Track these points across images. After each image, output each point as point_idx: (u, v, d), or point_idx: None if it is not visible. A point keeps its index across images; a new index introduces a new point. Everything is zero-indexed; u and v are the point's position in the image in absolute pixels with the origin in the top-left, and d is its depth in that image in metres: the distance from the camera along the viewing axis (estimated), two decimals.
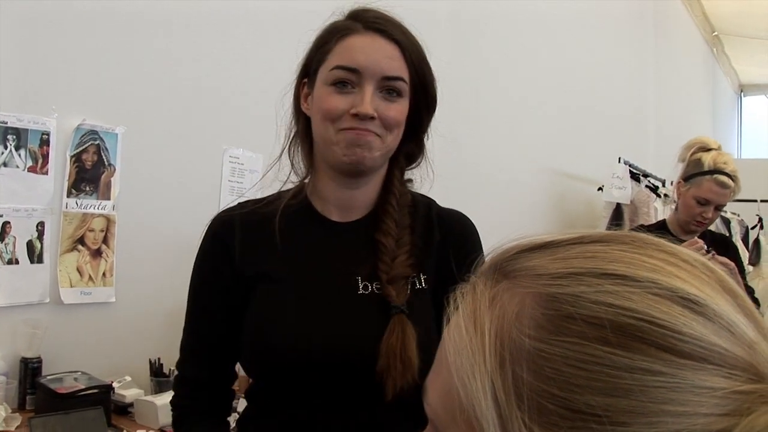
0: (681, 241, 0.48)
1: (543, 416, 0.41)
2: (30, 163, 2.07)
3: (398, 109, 1.15)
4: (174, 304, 2.39)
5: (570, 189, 4.81)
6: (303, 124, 1.22)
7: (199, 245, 1.23)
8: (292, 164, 1.24)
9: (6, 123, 2.01)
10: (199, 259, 1.23)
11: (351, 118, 1.12)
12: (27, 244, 2.07)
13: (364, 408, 1.13)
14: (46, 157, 2.10)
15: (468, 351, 0.45)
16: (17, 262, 2.05)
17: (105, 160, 2.25)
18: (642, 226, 3.23)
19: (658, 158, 5.85)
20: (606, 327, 0.41)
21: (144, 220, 2.35)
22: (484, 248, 1.24)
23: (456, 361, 0.46)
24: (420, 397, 0.51)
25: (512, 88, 4.20)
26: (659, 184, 4.92)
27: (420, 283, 1.17)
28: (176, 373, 1.28)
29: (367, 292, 1.15)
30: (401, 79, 1.15)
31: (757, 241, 5.86)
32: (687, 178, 2.55)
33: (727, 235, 4.86)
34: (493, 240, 0.53)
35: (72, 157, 2.16)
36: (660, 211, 4.55)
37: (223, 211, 1.24)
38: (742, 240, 5.71)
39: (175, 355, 1.30)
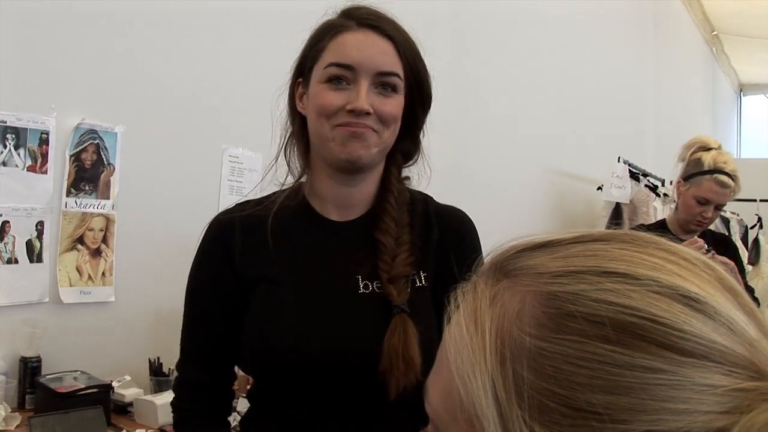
0: (681, 241, 0.48)
1: (544, 414, 0.41)
2: (29, 163, 2.07)
3: (394, 104, 1.15)
4: (173, 304, 2.39)
5: (569, 188, 4.81)
6: (299, 123, 1.21)
7: (197, 246, 1.23)
8: (289, 165, 1.23)
9: (5, 122, 2.01)
10: (198, 260, 1.22)
11: (347, 114, 1.12)
12: (26, 243, 2.07)
13: (364, 408, 1.13)
14: (45, 157, 2.10)
15: (469, 350, 0.45)
16: (16, 262, 2.05)
17: (104, 159, 2.25)
18: (642, 225, 3.23)
19: (657, 158, 5.85)
20: (606, 325, 0.41)
21: (143, 219, 2.35)
22: (483, 248, 1.24)
23: (457, 360, 0.46)
24: (422, 397, 0.51)
25: (512, 87, 4.20)
26: (658, 183, 4.93)
27: (420, 281, 1.17)
28: (176, 374, 1.28)
29: (367, 292, 1.14)
30: (396, 74, 1.15)
31: (756, 241, 5.87)
32: (687, 177, 2.55)
33: (727, 234, 4.86)
34: (492, 239, 0.53)
35: (71, 156, 2.16)
36: (659, 210, 4.56)
37: (223, 213, 1.24)
38: (741, 239, 5.72)
39: (174, 354, 1.30)
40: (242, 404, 1.82)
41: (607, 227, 4.17)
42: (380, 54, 1.14)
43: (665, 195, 4.75)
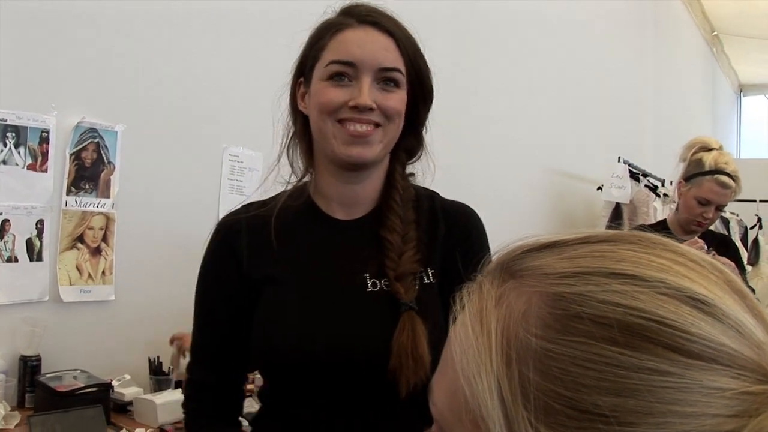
0: (681, 241, 0.48)
1: (550, 416, 0.41)
2: (29, 161, 2.06)
3: (397, 99, 1.15)
4: (173, 302, 2.39)
5: (569, 188, 4.81)
6: (301, 123, 1.21)
7: (204, 248, 1.23)
8: (292, 165, 1.23)
9: (5, 120, 2.01)
10: (206, 262, 1.23)
11: (349, 110, 1.12)
12: (26, 242, 2.07)
13: (371, 407, 1.13)
14: (45, 155, 2.09)
15: (474, 350, 0.45)
16: (16, 260, 2.04)
17: (104, 158, 2.24)
18: (642, 225, 3.23)
19: (657, 158, 5.85)
20: (614, 327, 0.41)
21: (143, 218, 2.34)
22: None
23: (462, 361, 0.45)
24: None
25: (511, 87, 4.19)
26: (658, 183, 4.93)
27: (427, 278, 1.17)
28: (187, 375, 1.28)
29: (375, 290, 1.14)
30: (397, 69, 1.15)
31: (756, 241, 5.87)
32: (688, 178, 2.55)
33: (727, 234, 4.86)
34: (492, 239, 0.53)
35: (71, 155, 2.16)
36: (659, 210, 4.56)
37: (229, 214, 1.24)
38: (741, 240, 5.72)
39: None
40: (247, 404, 1.82)
41: (607, 227, 4.17)
42: (381, 50, 1.14)
43: (665, 195, 4.75)
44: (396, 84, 1.15)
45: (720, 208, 2.56)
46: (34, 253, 2.08)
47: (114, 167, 2.26)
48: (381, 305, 1.13)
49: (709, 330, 0.41)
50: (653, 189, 4.72)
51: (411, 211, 1.19)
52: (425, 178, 1.28)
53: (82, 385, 1.92)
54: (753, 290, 2.67)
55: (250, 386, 1.86)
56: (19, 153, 2.04)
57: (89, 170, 2.20)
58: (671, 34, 7.20)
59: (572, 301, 0.42)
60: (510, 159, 4.16)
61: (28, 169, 2.06)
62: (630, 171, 4.58)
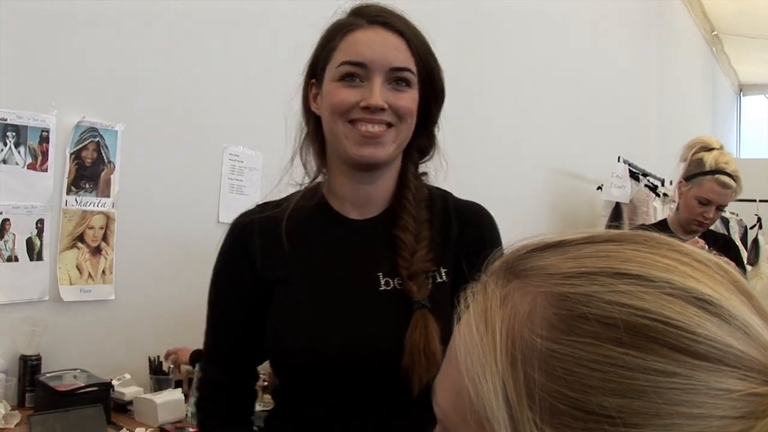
0: (682, 241, 0.48)
1: (555, 417, 0.41)
2: (29, 160, 2.06)
3: (408, 98, 1.15)
4: (174, 302, 2.39)
5: (569, 188, 4.81)
6: (313, 124, 1.22)
7: (218, 248, 1.24)
8: (305, 165, 1.24)
9: (6, 120, 2.00)
10: (219, 263, 1.24)
11: (361, 110, 1.12)
12: (26, 241, 2.07)
13: (384, 406, 1.13)
14: (45, 154, 2.09)
15: (479, 351, 0.44)
16: (17, 260, 2.04)
17: (104, 157, 2.24)
18: (643, 225, 3.23)
19: (657, 157, 5.85)
20: (619, 327, 0.40)
21: (143, 217, 2.34)
22: None
23: (466, 361, 0.45)
24: None
25: (513, 87, 4.19)
26: (658, 183, 4.93)
27: (440, 277, 1.17)
28: (200, 375, 1.29)
29: (388, 289, 1.15)
30: (408, 69, 1.15)
31: (755, 241, 5.87)
32: (688, 177, 2.55)
33: (727, 234, 4.86)
34: None
35: (72, 154, 2.16)
36: (659, 210, 4.56)
37: (243, 215, 1.25)
38: (741, 240, 5.72)
39: None
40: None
41: (607, 227, 4.17)
42: (392, 50, 1.14)
43: (665, 195, 4.75)
44: (407, 83, 1.15)
45: (721, 207, 2.56)
46: (34, 252, 2.08)
47: (114, 166, 2.26)
48: (394, 304, 1.13)
49: (715, 331, 0.41)
50: (653, 189, 4.72)
51: (424, 211, 1.20)
52: (437, 177, 1.28)
53: (83, 385, 1.92)
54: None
55: None
56: (19, 152, 2.04)
57: (89, 169, 2.20)
58: (671, 34, 7.20)
59: (577, 302, 0.42)
60: (510, 158, 4.16)
61: (28, 168, 2.06)
62: (630, 170, 4.58)
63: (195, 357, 2.20)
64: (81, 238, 2.18)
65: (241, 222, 1.23)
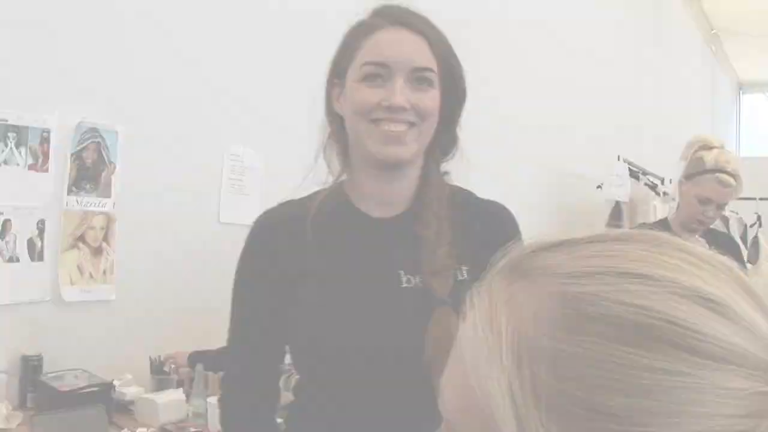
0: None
1: (561, 416, 0.41)
2: (30, 161, 2.06)
3: (430, 98, 1.17)
4: (175, 301, 2.39)
5: (569, 187, 4.81)
6: (337, 124, 1.23)
7: (243, 246, 1.24)
8: (328, 165, 1.25)
9: (6, 120, 2.00)
10: (243, 259, 1.25)
11: (384, 110, 1.13)
12: (27, 242, 2.07)
13: (406, 402, 1.14)
14: (46, 155, 2.09)
15: (484, 350, 0.44)
16: (18, 260, 2.04)
17: (105, 158, 2.24)
18: (644, 224, 3.23)
19: (657, 156, 5.85)
20: (626, 327, 0.40)
21: (144, 217, 2.34)
22: None
23: (472, 360, 0.45)
24: None
25: (511, 86, 4.19)
26: (658, 182, 4.93)
27: (462, 275, 1.18)
28: (223, 372, 1.30)
29: (410, 286, 1.16)
30: (430, 69, 1.16)
31: (756, 239, 5.86)
32: (689, 176, 2.55)
33: (727, 232, 4.86)
34: None
35: (72, 155, 2.16)
36: (659, 209, 4.56)
37: (267, 212, 1.26)
38: (741, 238, 5.72)
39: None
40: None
41: (607, 226, 4.17)
42: (414, 50, 1.16)
43: (665, 193, 4.75)
44: (429, 83, 1.17)
45: (721, 206, 2.56)
46: (35, 253, 2.08)
47: (115, 167, 2.26)
48: (415, 301, 1.15)
49: (721, 330, 0.41)
50: (653, 187, 4.72)
51: (446, 209, 1.21)
52: (457, 175, 1.29)
53: (84, 385, 1.92)
54: None
55: None
56: (20, 153, 2.04)
57: (90, 170, 2.20)
58: (670, 33, 7.19)
59: (584, 301, 0.42)
60: (510, 158, 4.16)
61: (29, 169, 2.06)
62: (629, 169, 4.58)
63: (193, 358, 2.20)
64: (82, 238, 2.18)
65: (266, 219, 1.25)
